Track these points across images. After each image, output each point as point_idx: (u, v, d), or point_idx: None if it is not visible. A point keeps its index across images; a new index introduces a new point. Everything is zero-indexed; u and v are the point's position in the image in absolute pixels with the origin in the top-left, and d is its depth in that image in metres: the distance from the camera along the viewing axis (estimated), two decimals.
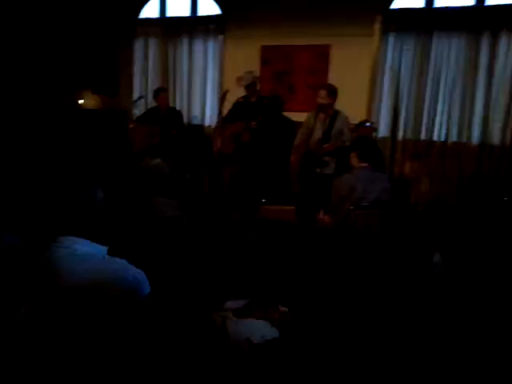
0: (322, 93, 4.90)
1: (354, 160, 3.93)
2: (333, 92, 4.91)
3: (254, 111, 5.66)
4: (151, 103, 6.93)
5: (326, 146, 4.85)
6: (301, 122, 5.33)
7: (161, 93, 6.30)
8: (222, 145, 5.86)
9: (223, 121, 5.87)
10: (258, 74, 6.09)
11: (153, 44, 7.35)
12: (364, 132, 5.13)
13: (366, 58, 6.16)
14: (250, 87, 5.71)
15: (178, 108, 6.89)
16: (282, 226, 3.48)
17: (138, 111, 6.85)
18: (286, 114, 5.96)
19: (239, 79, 5.75)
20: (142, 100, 7.07)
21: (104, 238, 1.70)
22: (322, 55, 6.37)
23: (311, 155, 4.95)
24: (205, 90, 7.11)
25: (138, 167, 3.56)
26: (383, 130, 6.22)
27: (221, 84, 6.96)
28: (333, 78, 6.20)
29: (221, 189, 6.21)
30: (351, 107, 5.35)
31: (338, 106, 5.07)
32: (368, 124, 5.25)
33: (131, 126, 6.26)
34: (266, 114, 5.60)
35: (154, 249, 2.83)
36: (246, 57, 6.71)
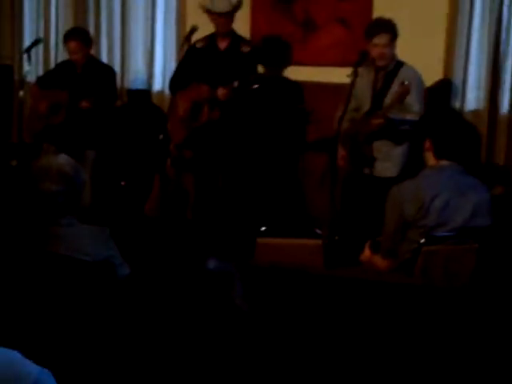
0: (384, 39, 5.11)
1: (428, 155, 3.93)
2: (395, 34, 5.15)
3: (226, 66, 5.70)
4: (61, 54, 6.96)
5: (374, 120, 5.03)
6: (329, 86, 5.50)
7: (72, 37, 6.30)
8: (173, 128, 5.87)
9: (170, 88, 6.02)
10: None
11: None
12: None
13: None
14: (225, 16, 5.73)
15: (105, 61, 6.96)
16: (298, 280, 3.35)
17: (32, 68, 6.84)
18: (296, 70, 5.91)
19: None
20: (40, 46, 7.03)
21: None
22: None
23: (356, 144, 5.15)
24: (153, 30, 7.09)
25: (28, 169, 3.46)
26: (473, 99, 6.21)
27: (182, 16, 6.95)
28: (381, 7, 6.19)
29: (184, 206, 6.17)
30: (416, 60, 5.36)
31: None
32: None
33: (22, 92, 6.28)
34: (248, 71, 5.63)
35: (63, 324, 2.86)
36: None
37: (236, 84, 5.50)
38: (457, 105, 6.01)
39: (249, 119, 5.62)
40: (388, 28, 5.12)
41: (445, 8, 6.12)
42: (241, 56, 5.74)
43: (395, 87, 5.04)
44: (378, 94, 5.16)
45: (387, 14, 5.33)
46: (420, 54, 5.37)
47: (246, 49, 5.78)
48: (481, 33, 6.08)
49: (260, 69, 5.77)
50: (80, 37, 6.34)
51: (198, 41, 5.88)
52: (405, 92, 4.79)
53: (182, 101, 5.84)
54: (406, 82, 4.80)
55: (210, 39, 5.84)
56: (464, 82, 6.14)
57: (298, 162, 5.71)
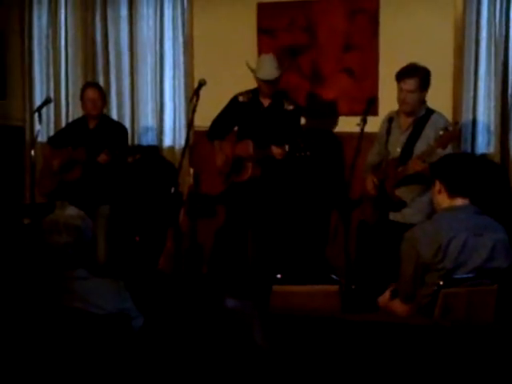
0: (408, 84, 5.08)
1: (440, 197, 3.94)
2: (427, 80, 5.15)
3: (268, 123, 5.76)
4: (72, 113, 7.09)
5: (401, 168, 5.02)
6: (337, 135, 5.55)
7: (91, 85, 6.46)
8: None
9: (209, 135, 6.02)
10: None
11: (67, 12, 7.38)
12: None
13: (444, 17, 6.18)
14: (270, 83, 5.80)
15: (115, 118, 7.00)
16: (315, 326, 3.35)
17: (42, 128, 6.84)
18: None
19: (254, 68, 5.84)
20: (51, 106, 7.11)
21: None
22: (366, 17, 6.42)
23: (382, 189, 5.16)
24: (162, 86, 7.14)
25: (39, 226, 3.46)
26: (483, 143, 6.20)
27: (189, 71, 7.00)
28: (387, 56, 6.28)
29: (199, 260, 6.23)
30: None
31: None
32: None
33: (33, 152, 6.27)
34: (291, 128, 5.72)
35: (79, 378, 2.86)
36: (232, 24, 6.80)
37: (287, 148, 5.53)
38: (467, 149, 6.01)
39: (293, 181, 5.77)
40: (415, 74, 5.07)
41: (450, 55, 6.15)
42: (284, 114, 5.81)
43: (428, 133, 5.04)
44: (409, 140, 5.14)
45: (393, 63, 5.38)
46: (428, 101, 5.36)
47: (289, 107, 5.85)
48: (487, 77, 6.09)
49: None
50: (98, 86, 6.47)
51: (240, 94, 5.94)
52: (451, 137, 4.77)
53: (221, 153, 5.91)
54: (451, 128, 4.79)
55: (254, 94, 5.90)
56: (473, 126, 6.14)
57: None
